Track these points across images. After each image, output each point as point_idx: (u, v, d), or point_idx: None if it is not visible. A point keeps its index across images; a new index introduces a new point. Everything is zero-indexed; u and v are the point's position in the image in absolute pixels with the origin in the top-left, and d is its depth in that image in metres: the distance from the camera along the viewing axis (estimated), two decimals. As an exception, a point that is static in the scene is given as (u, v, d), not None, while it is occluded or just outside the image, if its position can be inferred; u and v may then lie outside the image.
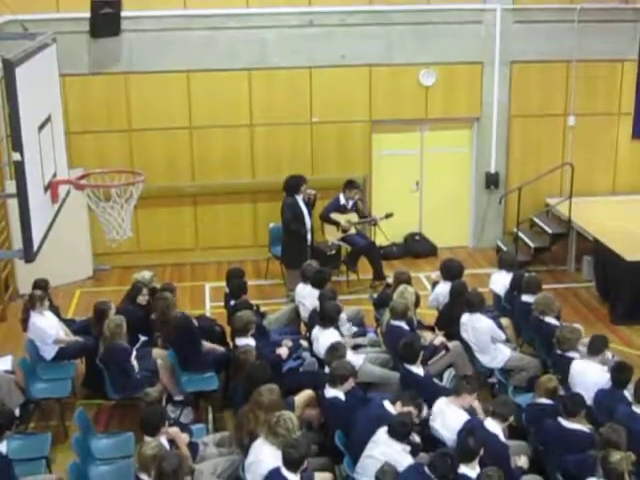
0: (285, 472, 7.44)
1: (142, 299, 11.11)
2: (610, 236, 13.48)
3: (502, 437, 8.27)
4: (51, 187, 8.66)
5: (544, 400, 8.75)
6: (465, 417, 8.52)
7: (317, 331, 10.37)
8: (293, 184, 13.72)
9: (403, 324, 10.35)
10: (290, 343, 10.35)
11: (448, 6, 14.88)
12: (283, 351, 10.14)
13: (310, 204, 13.80)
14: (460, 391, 8.76)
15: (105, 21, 13.77)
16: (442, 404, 8.79)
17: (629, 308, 12.79)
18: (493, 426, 8.27)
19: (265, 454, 7.77)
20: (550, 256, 15.11)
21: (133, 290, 11.20)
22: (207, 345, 10.54)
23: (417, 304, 11.11)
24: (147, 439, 7.90)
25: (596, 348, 9.55)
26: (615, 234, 13.53)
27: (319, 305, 10.76)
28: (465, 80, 15.32)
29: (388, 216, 14.17)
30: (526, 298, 10.92)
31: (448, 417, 8.61)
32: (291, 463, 7.43)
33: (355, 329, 11.20)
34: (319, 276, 11.41)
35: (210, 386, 10.19)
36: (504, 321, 11.03)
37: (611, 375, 9.04)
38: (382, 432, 8.06)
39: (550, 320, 10.40)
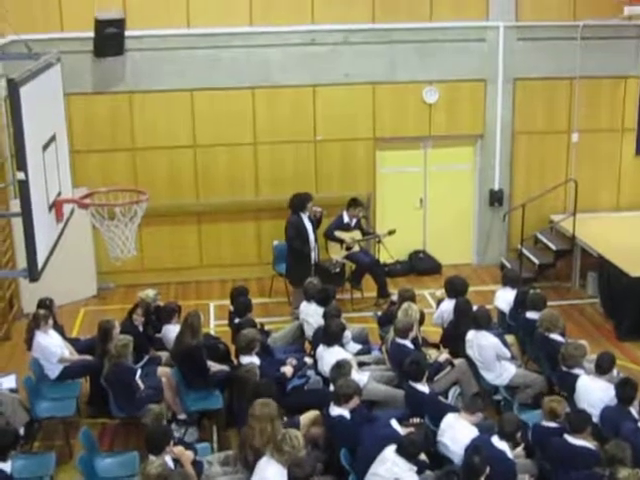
0: (290, 491, 7.43)
1: (136, 318, 11.13)
2: (614, 252, 13.45)
3: (509, 454, 8.25)
4: (55, 206, 8.67)
5: (551, 423, 8.66)
6: (474, 433, 8.51)
7: (322, 349, 10.36)
8: (299, 202, 13.72)
9: (407, 342, 10.33)
10: (295, 361, 10.33)
11: (451, 24, 14.92)
12: (288, 369, 10.12)
13: (316, 222, 13.81)
14: (472, 408, 8.74)
15: (109, 40, 13.82)
16: (451, 419, 8.78)
17: (634, 324, 12.76)
18: (500, 443, 8.25)
19: (270, 473, 7.75)
20: (554, 273, 15.08)
21: (132, 309, 11.24)
22: (214, 366, 10.51)
23: (421, 321, 11.10)
24: (151, 458, 7.87)
25: (604, 367, 9.49)
26: (619, 250, 13.50)
27: (324, 323, 10.76)
28: (468, 97, 15.34)
29: (391, 233, 14.18)
30: (531, 315, 10.90)
31: (458, 432, 8.60)
32: (296, 482, 7.41)
33: (360, 347, 11.19)
34: (324, 294, 11.41)
35: (214, 405, 10.17)
36: (509, 338, 11.02)
37: (616, 392, 9.01)
38: (390, 450, 8.04)
39: (555, 337, 10.38)
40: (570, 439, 8.29)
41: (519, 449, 8.66)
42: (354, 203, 14.27)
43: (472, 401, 8.95)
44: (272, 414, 8.34)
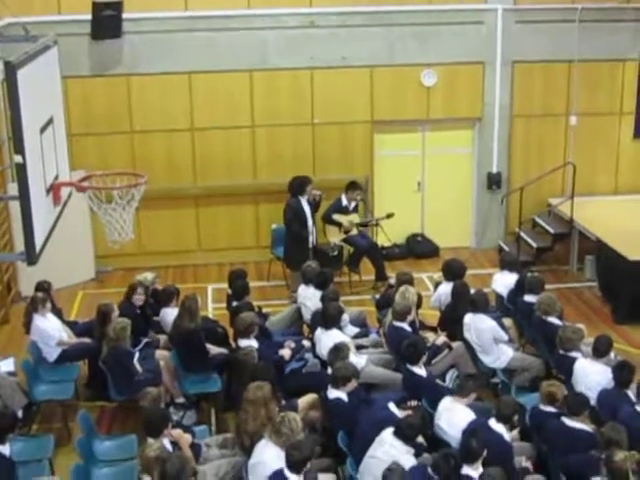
0: (288, 473, 7.45)
1: (137, 298, 11.12)
2: (612, 236, 13.46)
3: (507, 436, 8.27)
4: (53, 189, 8.67)
5: (549, 408, 8.68)
6: (471, 416, 8.53)
7: (320, 332, 10.38)
8: (298, 185, 13.72)
9: (405, 325, 10.35)
10: (293, 344, 10.36)
11: (449, 6, 14.88)
12: (286, 352, 10.15)
13: (315, 205, 13.81)
14: (464, 392, 8.76)
15: (106, 23, 13.77)
16: (448, 402, 8.79)
17: (632, 307, 12.76)
18: (497, 425, 8.27)
19: (268, 455, 7.78)
20: (552, 256, 15.09)
21: (130, 291, 11.21)
22: (213, 349, 10.53)
23: (419, 305, 11.11)
24: (150, 441, 7.90)
25: (601, 350, 9.51)
26: (617, 234, 13.51)
27: (322, 306, 10.77)
28: (466, 80, 15.31)
29: (389, 216, 14.21)
30: (529, 298, 10.91)
31: (454, 415, 8.61)
32: (294, 464, 7.43)
33: (358, 330, 11.20)
34: (321, 277, 11.42)
35: (213, 388, 10.19)
36: (507, 321, 11.03)
37: (613, 375, 9.03)
38: (387, 433, 8.05)
39: (553, 320, 10.40)
40: (568, 422, 8.32)
41: (514, 432, 8.69)
42: (352, 186, 14.26)
43: (463, 384, 8.93)
44: (266, 397, 8.36)
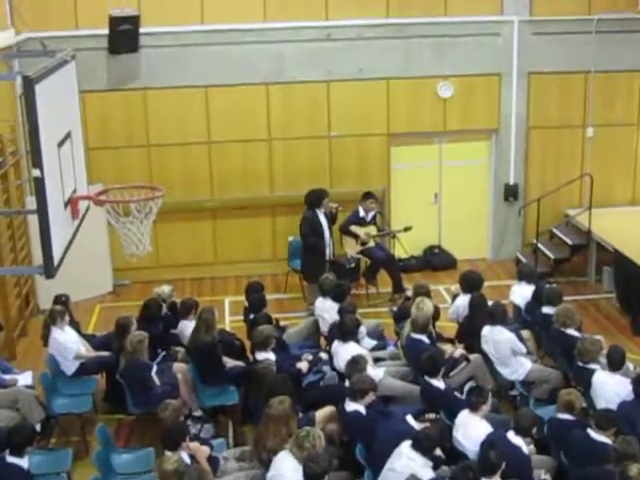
0: (306, 486, 7.43)
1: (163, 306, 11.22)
2: (631, 247, 13.39)
3: (525, 449, 8.22)
4: (71, 203, 8.70)
5: (566, 416, 8.64)
6: (488, 429, 8.48)
7: (337, 345, 10.36)
8: (314, 198, 13.73)
9: (423, 337, 10.31)
10: (310, 357, 10.34)
11: (466, 18, 14.88)
12: (303, 365, 10.14)
13: (332, 217, 13.82)
14: (474, 405, 8.71)
15: (123, 37, 13.85)
16: (464, 416, 8.75)
17: (650, 319, 12.73)
18: (516, 438, 8.22)
19: (286, 468, 7.76)
20: (570, 267, 15.02)
21: (149, 308, 11.21)
22: (229, 362, 10.53)
23: (436, 317, 11.08)
24: (167, 454, 7.89)
25: (617, 362, 9.43)
26: (636, 244, 13.44)
27: (339, 319, 10.75)
28: (483, 92, 15.30)
29: (407, 229, 14.17)
30: (547, 310, 10.87)
31: (471, 429, 8.57)
32: (312, 478, 7.40)
33: (375, 342, 11.18)
34: (339, 290, 11.41)
35: (230, 401, 10.19)
36: (525, 333, 10.98)
37: (633, 387, 8.98)
38: (405, 445, 8.02)
39: (571, 332, 10.35)
40: (593, 434, 8.25)
41: (531, 446, 8.63)
42: (366, 195, 14.25)
43: (469, 399, 8.86)
44: (287, 413, 8.34)
